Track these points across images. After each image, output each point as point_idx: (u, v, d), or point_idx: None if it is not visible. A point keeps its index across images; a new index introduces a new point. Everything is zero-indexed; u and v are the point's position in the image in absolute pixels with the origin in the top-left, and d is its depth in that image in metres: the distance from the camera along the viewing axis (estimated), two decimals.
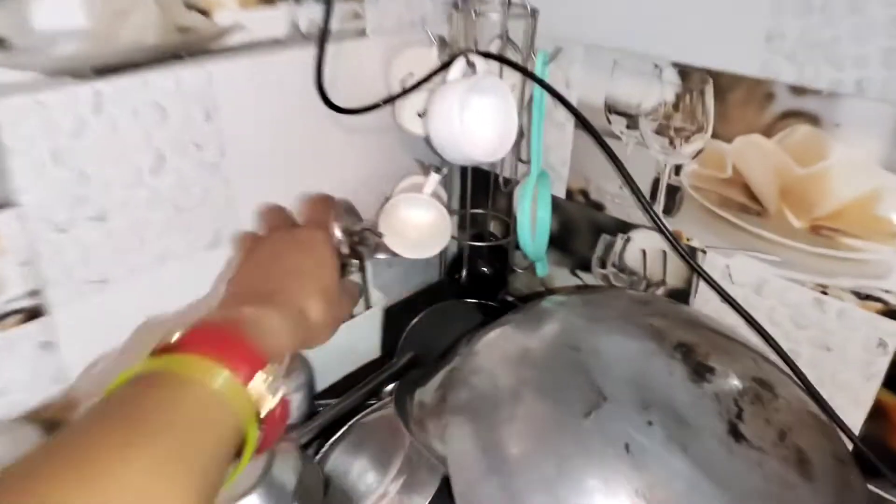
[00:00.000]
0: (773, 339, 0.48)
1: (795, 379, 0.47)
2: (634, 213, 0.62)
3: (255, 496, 0.40)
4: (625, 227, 0.64)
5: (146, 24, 0.45)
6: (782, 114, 0.50)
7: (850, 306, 0.51)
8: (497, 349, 0.46)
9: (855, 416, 0.53)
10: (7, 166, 0.42)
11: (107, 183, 0.46)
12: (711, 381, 0.39)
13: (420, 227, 0.62)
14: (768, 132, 0.51)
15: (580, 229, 0.67)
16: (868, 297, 0.50)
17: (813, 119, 0.49)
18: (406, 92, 0.57)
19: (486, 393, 0.42)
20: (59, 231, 0.45)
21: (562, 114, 0.63)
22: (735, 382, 0.40)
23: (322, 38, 0.52)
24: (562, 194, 0.67)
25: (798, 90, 0.49)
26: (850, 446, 0.48)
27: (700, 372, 0.40)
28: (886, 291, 0.49)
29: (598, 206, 0.65)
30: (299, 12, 0.54)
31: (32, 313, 0.46)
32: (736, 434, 0.37)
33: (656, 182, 0.59)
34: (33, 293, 0.45)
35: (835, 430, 0.44)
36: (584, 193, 0.65)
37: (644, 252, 0.63)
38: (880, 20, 0.44)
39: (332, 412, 0.54)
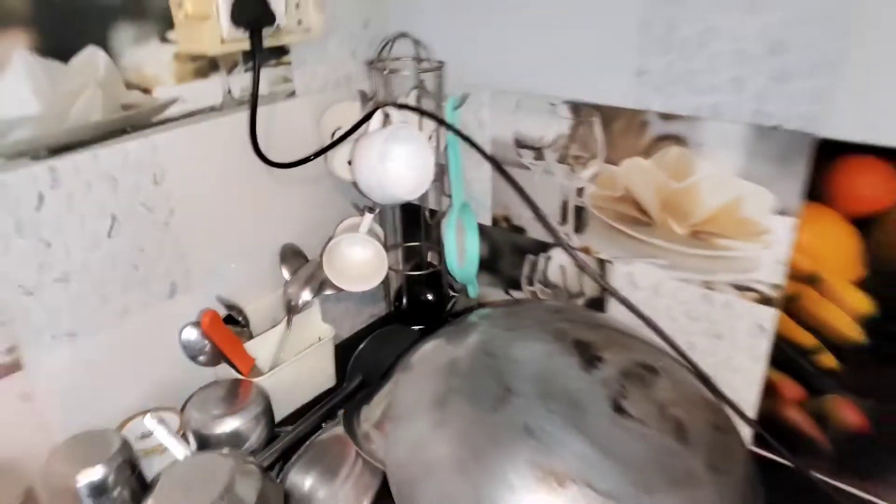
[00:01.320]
0: (662, 331, 0.55)
1: (686, 365, 0.54)
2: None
3: None
4: (545, 247, 0.71)
5: (92, 105, 0.52)
6: (657, 138, 0.58)
7: (732, 298, 0.59)
8: (428, 363, 0.52)
9: (750, 395, 0.61)
10: None
11: (67, 248, 0.52)
12: (600, 369, 0.46)
13: (360, 263, 0.68)
14: (647, 154, 0.59)
15: (507, 252, 0.75)
16: (746, 289, 0.58)
17: (681, 140, 0.57)
18: (333, 145, 0.64)
19: (417, 403, 0.49)
20: (27, 294, 0.51)
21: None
22: (620, 369, 0.47)
23: (253, 102, 0.59)
24: (487, 222, 0.74)
25: (667, 117, 0.57)
26: (750, 426, 0.55)
27: (592, 362, 0.47)
28: (758, 282, 0.57)
29: (520, 230, 0.72)
30: (231, 81, 0.61)
31: (11, 368, 0.51)
32: (620, 411, 0.44)
33: (565, 204, 0.67)
34: (11, 350, 0.51)
35: (719, 406, 0.51)
36: (507, 219, 0.73)
37: (562, 268, 0.70)
38: (726, 53, 0.52)
39: (290, 436, 0.60)
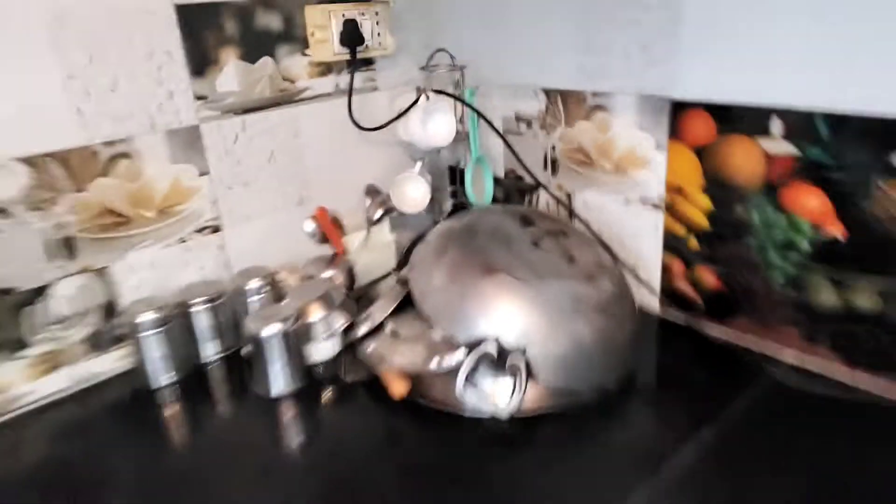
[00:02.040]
0: (591, 229, 0.89)
1: (602, 246, 0.88)
2: (539, 179, 1.05)
3: None
4: (536, 188, 1.07)
5: (264, 87, 0.95)
6: (591, 107, 0.94)
7: (639, 208, 0.92)
8: (437, 232, 0.89)
9: (656, 274, 0.93)
10: (206, 155, 0.91)
11: (248, 166, 0.95)
12: (531, 229, 0.81)
13: (413, 194, 1.07)
14: (587, 118, 0.94)
15: (513, 193, 1.11)
16: (645, 202, 0.91)
17: (604, 108, 0.92)
18: (398, 117, 1.04)
19: (428, 254, 0.86)
20: (228, 188, 0.94)
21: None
22: (545, 229, 0.82)
23: (350, 91, 1.00)
24: (501, 174, 1.11)
25: (595, 94, 0.92)
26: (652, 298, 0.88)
27: (526, 225, 0.82)
28: (651, 196, 0.90)
29: (520, 178, 1.09)
30: (339, 79, 1.02)
31: (215, 229, 0.94)
32: (536, 245, 0.79)
33: (545, 157, 1.03)
34: (215, 219, 0.94)
35: (611, 264, 0.85)
36: (514, 171, 1.10)
37: (547, 201, 1.06)
38: (621, 54, 0.87)
39: (364, 285, 0.99)
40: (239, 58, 0.91)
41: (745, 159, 0.79)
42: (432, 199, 1.08)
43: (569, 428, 0.72)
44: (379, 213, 1.08)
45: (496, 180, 1.12)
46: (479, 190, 1.10)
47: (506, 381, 0.72)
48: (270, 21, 0.93)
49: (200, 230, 0.93)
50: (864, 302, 0.72)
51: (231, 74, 0.91)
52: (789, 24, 0.71)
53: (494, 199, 1.12)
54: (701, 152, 0.83)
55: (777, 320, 0.81)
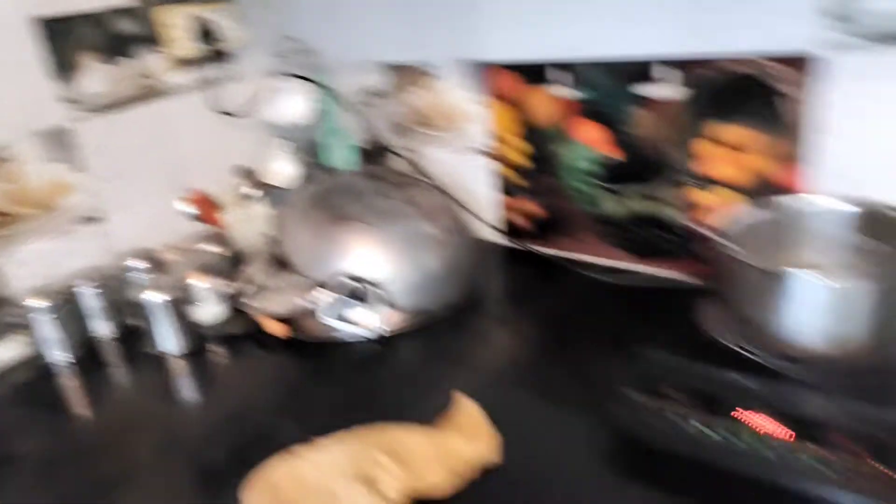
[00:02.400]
0: (433, 179, 1.05)
1: (445, 196, 1.04)
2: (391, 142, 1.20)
3: None
4: (390, 151, 1.21)
5: (128, 86, 1.04)
6: (421, 75, 1.09)
7: (473, 157, 1.08)
8: (299, 195, 1.02)
9: (491, 211, 1.10)
10: (80, 152, 1.00)
11: (121, 158, 1.04)
12: (377, 183, 0.96)
13: (282, 171, 1.19)
14: (419, 85, 1.10)
15: (373, 157, 1.25)
16: (477, 150, 1.07)
17: (432, 74, 1.07)
18: (256, 102, 1.15)
19: (292, 214, 0.99)
20: (104, 181, 1.03)
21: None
22: (388, 183, 0.97)
23: (209, 83, 1.10)
24: (362, 142, 1.25)
25: (423, 63, 1.07)
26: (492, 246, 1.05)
27: (375, 180, 0.97)
28: (480, 144, 1.06)
29: (377, 144, 1.23)
30: (200, 73, 1.12)
31: (96, 219, 1.03)
32: (384, 195, 0.94)
33: (394, 124, 1.17)
34: (96, 209, 1.03)
35: (449, 205, 1.01)
36: (372, 139, 1.23)
37: (399, 161, 1.21)
38: (446, 28, 1.02)
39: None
40: (100, 61, 1.00)
41: (543, 106, 0.96)
42: (305, 173, 1.20)
43: (425, 339, 0.88)
44: (251, 190, 1.19)
45: (359, 149, 1.25)
46: (342, 159, 1.23)
47: (365, 309, 0.87)
48: (127, 25, 1.03)
49: (84, 221, 1.01)
50: (637, 206, 0.91)
51: (95, 77, 1.00)
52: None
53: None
54: (513, 103, 1.00)
55: (583, 232, 0.99)
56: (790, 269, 0.64)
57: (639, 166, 0.89)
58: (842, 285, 0.57)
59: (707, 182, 0.84)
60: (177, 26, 1.06)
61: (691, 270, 0.90)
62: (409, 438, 0.64)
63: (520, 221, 1.07)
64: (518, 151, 1.02)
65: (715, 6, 0.77)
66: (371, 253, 0.89)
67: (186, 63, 1.11)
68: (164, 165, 1.11)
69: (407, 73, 1.10)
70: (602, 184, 0.94)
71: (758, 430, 0.55)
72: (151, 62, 1.06)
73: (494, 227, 1.10)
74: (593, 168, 0.94)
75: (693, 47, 0.80)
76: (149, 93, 1.07)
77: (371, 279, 0.88)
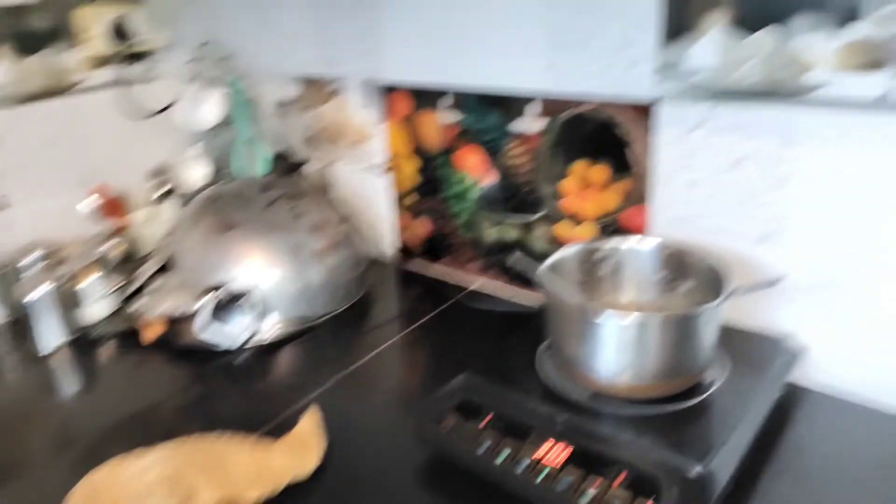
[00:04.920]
0: (332, 192, 1.08)
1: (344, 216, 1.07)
2: (303, 154, 1.23)
3: None
4: (302, 162, 1.24)
5: (39, 81, 1.06)
6: (331, 92, 1.12)
7: (372, 174, 1.12)
8: (193, 201, 1.05)
9: (385, 227, 1.13)
10: None
11: (25, 153, 1.06)
12: (267, 193, 0.99)
13: (193, 175, 1.22)
14: (328, 100, 1.13)
15: (286, 167, 1.28)
16: (376, 168, 1.11)
17: (340, 91, 1.10)
18: (168, 106, 1.18)
19: (184, 219, 1.02)
20: (3, 174, 1.05)
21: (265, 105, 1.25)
22: (282, 193, 1.00)
23: (123, 84, 1.13)
24: (276, 151, 1.28)
25: (333, 79, 1.11)
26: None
27: (265, 191, 1.00)
28: (378, 163, 1.10)
29: (290, 155, 1.26)
30: (116, 72, 1.15)
31: None
32: (271, 206, 0.97)
33: (305, 135, 1.21)
34: None
35: (338, 219, 1.04)
36: (286, 149, 1.26)
37: (308, 172, 1.24)
38: (349, 48, 1.06)
39: None
40: (12, 54, 1.02)
41: (431, 129, 1.00)
42: (214, 178, 1.23)
43: (298, 348, 0.91)
44: (161, 192, 1.22)
45: (270, 158, 1.28)
46: (253, 166, 1.26)
47: (242, 317, 0.90)
48: (40, 20, 1.05)
49: None
50: (510, 234, 0.95)
51: (3, 69, 1.02)
52: (450, 29, 0.92)
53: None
54: (408, 125, 1.03)
55: (465, 255, 1.03)
56: (591, 305, 0.68)
57: (512, 196, 0.93)
58: (638, 320, 0.61)
59: (568, 216, 0.88)
60: (92, 25, 1.08)
61: None
62: (234, 453, 0.67)
63: (412, 240, 1.11)
64: (412, 172, 1.06)
65: (569, 50, 0.82)
66: (253, 261, 0.92)
67: (101, 62, 1.13)
68: (72, 161, 1.13)
69: (318, 88, 1.14)
70: (482, 210, 0.98)
71: (553, 463, 0.58)
72: (65, 59, 1.09)
73: (387, 244, 1.14)
74: (474, 194, 0.98)
75: (554, 86, 0.84)
76: (59, 89, 1.09)
77: (251, 287, 0.91)
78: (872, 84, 0.63)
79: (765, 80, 0.68)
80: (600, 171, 0.84)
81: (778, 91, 0.68)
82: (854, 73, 0.64)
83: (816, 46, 0.65)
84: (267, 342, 0.92)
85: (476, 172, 0.96)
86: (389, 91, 1.03)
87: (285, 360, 0.90)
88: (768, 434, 0.65)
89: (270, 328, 0.92)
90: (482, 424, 0.63)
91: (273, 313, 0.92)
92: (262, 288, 0.92)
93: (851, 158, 0.67)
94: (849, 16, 0.63)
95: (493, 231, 0.97)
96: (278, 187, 1.02)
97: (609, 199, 0.84)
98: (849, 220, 0.69)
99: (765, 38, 0.67)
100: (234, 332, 0.90)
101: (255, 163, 1.27)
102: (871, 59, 0.63)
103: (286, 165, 1.25)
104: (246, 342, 0.90)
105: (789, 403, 0.70)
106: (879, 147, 0.65)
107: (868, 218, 0.68)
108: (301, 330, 0.94)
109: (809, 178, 0.70)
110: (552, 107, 0.85)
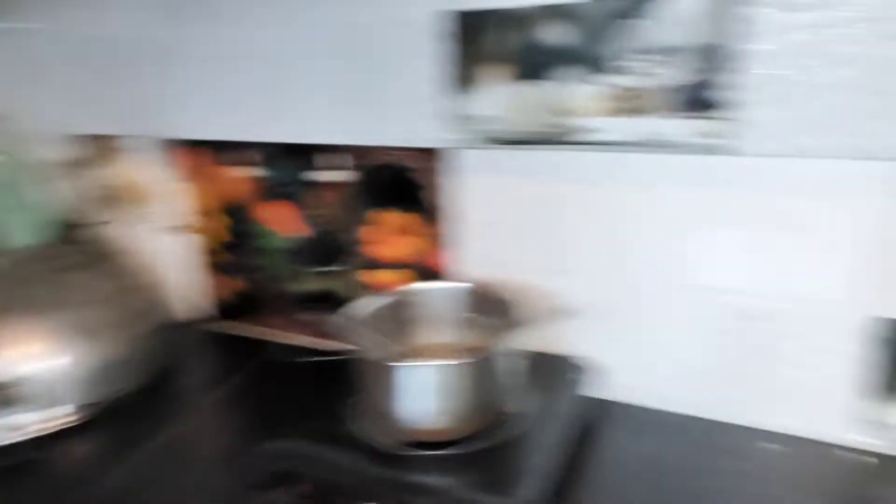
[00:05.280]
0: (126, 256, 1.00)
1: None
2: (92, 216, 1.13)
3: None
4: (91, 225, 1.14)
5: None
6: (122, 150, 1.04)
7: (171, 234, 1.05)
8: None
9: (189, 289, 1.07)
10: None
11: None
12: (55, 263, 0.90)
13: None
14: (119, 159, 1.05)
15: (71, 230, 1.17)
16: (176, 227, 1.05)
17: (132, 149, 1.03)
18: None
19: None
20: None
21: None
22: (64, 264, 0.91)
23: None
24: (63, 214, 1.17)
25: (123, 137, 1.03)
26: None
27: (53, 261, 0.90)
28: (178, 222, 1.04)
29: (78, 218, 1.15)
30: None
31: None
32: (60, 279, 0.87)
33: (94, 196, 1.11)
34: None
35: (135, 286, 0.97)
36: (75, 211, 1.16)
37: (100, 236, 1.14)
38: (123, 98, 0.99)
39: None
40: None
41: (235, 184, 0.96)
42: None
43: (94, 434, 0.82)
44: None
45: (50, 224, 1.17)
46: (27, 235, 1.14)
47: (17, 412, 0.80)
48: None
49: None
50: (319, 285, 0.94)
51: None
52: (247, 85, 0.91)
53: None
54: (211, 180, 0.99)
55: (281, 310, 1.00)
56: (388, 355, 0.69)
57: (320, 246, 0.92)
58: (441, 364, 0.62)
59: (375, 263, 0.89)
60: None
61: None
62: None
63: (223, 299, 1.05)
64: (221, 230, 1.01)
65: (364, 104, 0.84)
66: (29, 347, 0.82)
67: None
68: None
69: (104, 146, 1.06)
70: (291, 264, 0.96)
71: None
72: None
73: (194, 307, 1.07)
74: (282, 247, 0.96)
75: (354, 138, 0.86)
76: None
77: (26, 377, 0.81)
78: (635, 128, 0.71)
79: (538, 127, 0.74)
80: (400, 217, 0.85)
81: (550, 137, 0.74)
82: (618, 118, 0.71)
83: (584, 96, 0.71)
84: (54, 432, 0.82)
85: (283, 226, 0.94)
86: (190, 147, 0.98)
87: (74, 451, 0.80)
88: (581, 451, 0.69)
89: (55, 418, 0.83)
90: (298, 493, 0.61)
91: (57, 401, 0.83)
92: (44, 374, 0.82)
93: (610, 195, 0.75)
94: (614, 69, 0.70)
95: (302, 283, 0.95)
96: (63, 257, 0.93)
97: (411, 243, 0.86)
98: (615, 249, 0.77)
99: (538, 89, 0.73)
100: (10, 428, 0.79)
101: (29, 230, 1.15)
102: (633, 106, 0.71)
103: (70, 230, 1.14)
104: (26, 437, 0.80)
105: (596, 419, 0.76)
106: (633, 184, 0.73)
107: (628, 246, 0.76)
108: (98, 412, 0.85)
109: (580, 213, 0.77)
110: (354, 157, 0.86)
